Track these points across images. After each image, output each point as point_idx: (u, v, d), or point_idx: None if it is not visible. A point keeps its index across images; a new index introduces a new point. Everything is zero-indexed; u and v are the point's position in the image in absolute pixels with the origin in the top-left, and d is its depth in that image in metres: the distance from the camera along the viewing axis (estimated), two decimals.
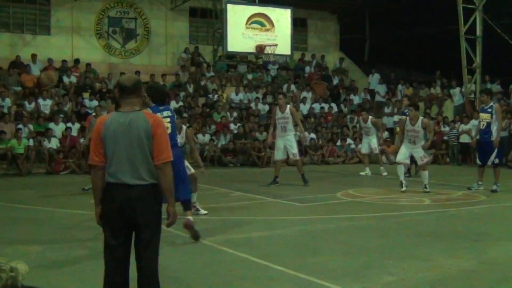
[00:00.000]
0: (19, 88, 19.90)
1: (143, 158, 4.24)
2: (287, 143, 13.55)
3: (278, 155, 13.82)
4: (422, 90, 24.77)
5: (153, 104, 7.67)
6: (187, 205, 7.78)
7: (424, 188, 12.26)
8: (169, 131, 7.34)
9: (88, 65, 21.80)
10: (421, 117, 12.49)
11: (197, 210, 9.28)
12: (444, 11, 23.32)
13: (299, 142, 15.16)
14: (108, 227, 4.30)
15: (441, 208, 10.40)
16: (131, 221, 4.24)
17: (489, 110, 12.58)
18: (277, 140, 13.73)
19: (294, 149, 13.60)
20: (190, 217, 7.60)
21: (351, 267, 6.30)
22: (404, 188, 12.33)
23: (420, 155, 12.39)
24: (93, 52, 23.14)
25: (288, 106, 13.81)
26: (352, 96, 25.04)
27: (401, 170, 12.58)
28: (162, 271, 4.44)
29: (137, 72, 22.12)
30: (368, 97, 25.32)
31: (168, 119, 7.61)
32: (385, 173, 15.83)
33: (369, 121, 16.45)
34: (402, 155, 12.53)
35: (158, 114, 7.19)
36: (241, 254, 6.83)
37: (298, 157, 13.84)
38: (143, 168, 4.24)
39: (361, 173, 16.19)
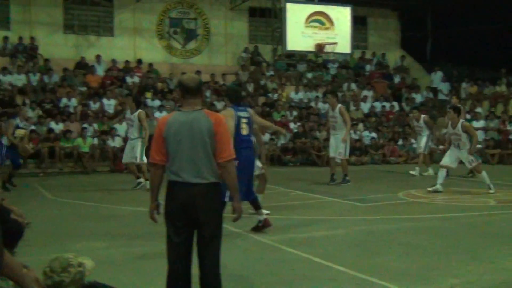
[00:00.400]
0: (84, 88, 20.47)
1: (205, 156, 4.29)
2: (337, 141, 13.66)
3: (332, 152, 13.93)
4: (487, 88, 24.12)
5: (231, 105, 7.92)
6: (256, 204, 7.99)
7: (489, 189, 11.87)
8: (244, 132, 7.83)
9: (150, 65, 22.22)
10: (461, 120, 12.07)
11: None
12: (510, 6, 22.63)
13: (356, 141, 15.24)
14: (170, 224, 4.36)
15: (507, 210, 10.09)
16: (193, 218, 4.29)
17: None
18: (330, 138, 14.08)
19: (340, 148, 13.63)
20: (262, 216, 7.94)
21: (413, 268, 6.20)
22: (440, 189, 11.97)
23: (469, 159, 11.95)
24: (154, 52, 23.57)
25: (339, 105, 13.82)
26: (414, 95, 24.62)
27: (442, 174, 12.11)
28: (222, 269, 4.47)
29: (198, 72, 22.43)
30: (431, 95, 24.85)
31: (246, 120, 7.85)
32: (428, 173, 15.43)
33: (421, 120, 16.09)
34: (448, 158, 12.13)
35: (240, 113, 7.75)
36: (302, 253, 6.82)
37: (342, 156, 13.78)
38: (205, 166, 4.28)
39: (411, 172, 15.77)
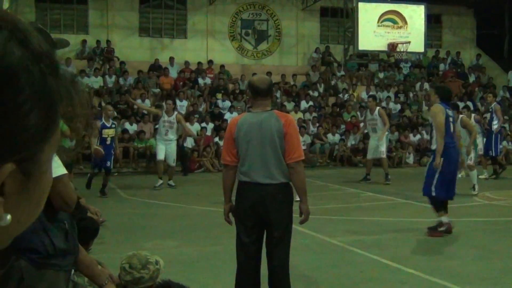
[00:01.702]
0: (157, 90, 20.92)
1: (275, 157, 4.31)
2: (378, 142, 13.93)
3: (369, 154, 14.40)
4: None
5: (440, 102, 8.05)
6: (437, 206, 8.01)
7: (473, 189, 11.70)
8: (451, 130, 7.98)
9: (221, 66, 22.50)
10: (461, 116, 11.87)
11: None
12: None
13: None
14: (241, 224, 4.42)
15: None
16: (263, 219, 4.34)
17: None
18: (370, 140, 14.45)
19: (382, 147, 13.98)
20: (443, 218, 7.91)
21: (487, 272, 6.05)
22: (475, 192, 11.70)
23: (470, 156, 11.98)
24: (226, 54, 23.85)
25: (378, 108, 14.27)
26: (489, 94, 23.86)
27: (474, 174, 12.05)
28: (291, 269, 4.51)
29: (269, 73, 22.56)
30: (508, 95, 24.06)
31: (451, 119, 8.01)
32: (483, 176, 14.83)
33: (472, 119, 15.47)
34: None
35: (448, 112, 7.93)
36: (372, 255, 6.77)
37: (384, 155, 14.23)
38: (275, 167, 4.31)
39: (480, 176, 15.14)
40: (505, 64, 26.73)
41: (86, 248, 3.91)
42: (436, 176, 7.78)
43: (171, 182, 13.19)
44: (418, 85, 23.78)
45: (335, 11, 25.24)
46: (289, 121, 4.39)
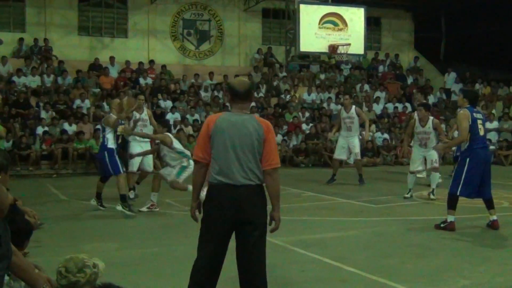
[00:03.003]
0: (97, 90, 20.58)
1: (252, 160, 4.29)
2: (350, 143, 13.68)
3: (340, 154, 13.93)
4: (501, 89, 23.98)
5: (468, 105, 8.38)
6: (491, 204, 8.38)
7: (431, 194, 11.37)
8: (481, 132, 8.27)
9: (163, 66, 22.31)
10: (431, 118, 11.56)
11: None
12: None
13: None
14: (210, 224, 4.33)
15: None
16: (237, 220, 4.27)
17: None
18: (340, 140, 13.94)
19: (357, 149, 13.76)
20: (495, 217, 8.31)
21: (425, 270, 6.20)
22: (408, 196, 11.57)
23: (433, 158, 11.55)
24: (168, 54, 23.67)
25: (354, 106, 13.97)
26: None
27: (412, 180, 11.73)
28: (230, 271, 4.48)
29: (211, 73, 22.54)
30: (444, 96, 24.74)
31: (481, 121, 8.31)
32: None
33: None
34: (416, 163, 11.71)
35: (476, 115, 8.28)
36: (313, 255, 6.84)
37: (360, 157, 14.07)
38: (251, 169, 4.28)
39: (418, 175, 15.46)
40: (442, 66, 27.51)
41: (22, 251, 3.80)
42: (464, 175, 8.18)
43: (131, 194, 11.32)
44: (358, 86, 24.18)
45: (277, 12, 25.41)
46: (269, 127, 4.38)
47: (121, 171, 9.87)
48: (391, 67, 26.44)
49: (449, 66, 26.26)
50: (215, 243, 4.31)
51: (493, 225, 8.37)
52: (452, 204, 8.36)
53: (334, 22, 22.87)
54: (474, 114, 8.31)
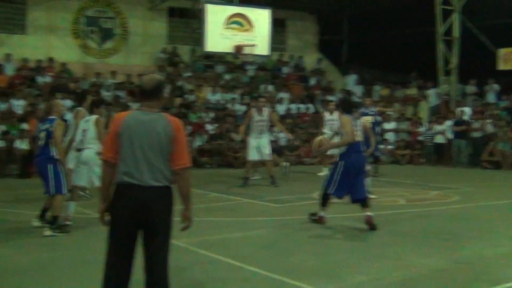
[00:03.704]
0: None
1: (161, 160, 4.19)
2: (261, 144, 13.67)
3: (253, 155, 13.77)
4: (398, 91, 24.95)
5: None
6: (365, 203, 8.64)
7: None
8: (359, 138, 8.67)
9: (63, 64, 21.63)
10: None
11: None
12: (422, 12, 23.51)
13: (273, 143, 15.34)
14: (117, 226, 4.22)
15: (415, 208, 10.49)
16: (144, 222, 4.17)
17: None
18: (252, 141, 13.80)
19: (268, 150, 13.75)
20: (369, 212, 8.56)
21: (324, 267, 6.34)
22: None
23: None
24: (69, 51, 22.90)
25: (266, 109, 13.98)
26: (329, 97, 25.10)
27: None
28: (134, 274, 4.40)
29: (114, 72, 22.07)
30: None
31: (359, 127, 8.77)
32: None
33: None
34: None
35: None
36: (215, 255, 6.84)
37: (271, 158, 14.01)
38: (159, 169, 4.19)
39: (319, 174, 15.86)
40: (343, 68, 28.29)
41: None
42: (337, 177, 8.61)
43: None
44: (263, 87, 24.43)
45: (183, 11, 25.21)
46: (179, 126, 4.27)
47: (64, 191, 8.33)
48: (295, 69, 26.89)
49: (350, 68, 27.05)
50: (121, 244, 4.21)
51: (368, 221, 8.56)
52: (324, 201, 8.84)
53: (239, 22, 22.97)
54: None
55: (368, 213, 8.55)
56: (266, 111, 13.80)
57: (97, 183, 8.25)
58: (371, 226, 8.43)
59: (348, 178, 8.56)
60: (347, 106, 9.05)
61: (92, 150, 8.55)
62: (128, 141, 4.20)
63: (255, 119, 13.70)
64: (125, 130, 4.21)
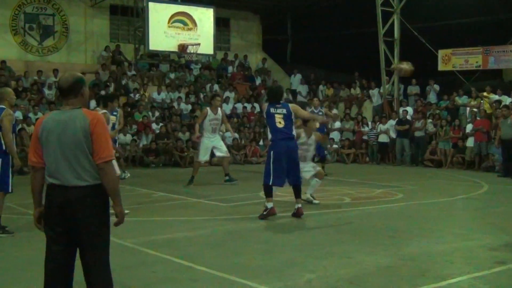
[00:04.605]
0: None
1: (82, 157, 4.04)
2: (216, 143, 13.62)
3: (204, 156, 13.63)
4: (342, 91, 25.28)
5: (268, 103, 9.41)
6: (298, 193, 9.16)
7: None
8: (281, 125, 9.07)
9: (2, 62, 21.02)
10: None
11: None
12: (364, 13, 23.91)
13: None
14: (49, 230, 4.09)
15: (361, 206, 10.63)
16: (71, 224, 4.03)
17: None
18: (204, 141, 13.58)
19: (225, 148, 13.91)
20: (300, 205, 9.13)
21: (273, 265, 6.34)
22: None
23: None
24: (8, 49, 22.27)
25: (220, 109, 13.91)
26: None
27: None
28: (79, 273, 4.29)
29: (55, 70, 21.57)
30: (290, 97, 25.59)
31: (281, 115, 9.10)
32: None
33: None
34: None
35: (273, 110, 9.15)
36: (163, 255, 6.75)
37: (229, 155, 14.27)
38: (82, 167, 4.04)
39: None
40: (288, 68, 28.49)
41: None
42: (271, 167, 9.03)
43: None
44: (208, 86, 24.35)
45: (126, 9, 24.89)
46: (96, 119, 4.10)
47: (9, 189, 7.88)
48: (240, 68, 26.91)
49: (295, 68, 27.26)
50: (55, 245, 4.08)
51: (297, 213, 9.16)
52: (267, 193, 9.16)
53: (183, 21, 22.86)
54: (272, 109, 9.20)
55: (299, 205, 9.13)
56: (219, 110, 13.74)
57: None
58: (298, 216, 9.11)
59: (281, 166, 8.99)
60: (272, 96, 9.44)
61: None
62: (47, 142, 4.09)
63: (210, 117, 13.56)
64: (43, 132, 4.10)
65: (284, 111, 9.19)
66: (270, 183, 9.08)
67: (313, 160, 16.30)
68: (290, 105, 9.48)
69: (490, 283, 5.75)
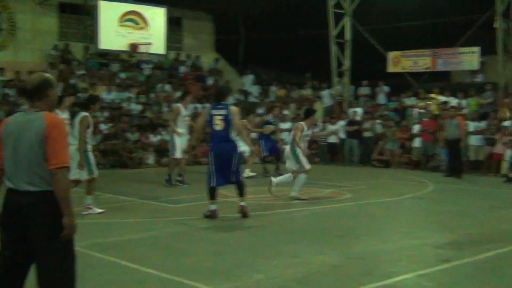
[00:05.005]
0: None
1: (35, 162, 3.89)
2: (183, 142, 13.48)
3: (180, 153, 13.46)
4: (294, 92, 25.44)
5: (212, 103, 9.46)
6: (241, 191, 9.25)
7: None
8: (219, 127, 9.02)
9: None
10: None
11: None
12: (316, 15, 24.12)
13: None
14: (3, 234, 3.97)
15: (310, 206, 10.70)
16: (21, 229, 3.89)
17: None
18: (180, 139, 13.49)
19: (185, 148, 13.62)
20: (244, 203, 9.25)
21: (222, 266, 6.32)
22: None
23: None
24: None
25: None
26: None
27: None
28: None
29: (1, 69, 21.07)
30: (242, 97, 25.63)
31: (221, 117, 9.04)
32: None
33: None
34: None
35: (214, 111, 9.11)
36: (111, 258, 6.67)
37: (187, 156, 14.25)
38: (36, 173, 3.89)
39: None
40: (240, 68, 28.52)
41: None
42: (212, 168, 9.10)
43: None
44: (159, 86, 24.15)
45: (75, 7, 24.49)
46: (54, 124, 3.92)
47: None
48: (192, 68, 26.80)
49: (247, 69, 27.31)
50: (9, 250, 3.96)
51: (241, 211, 9.25)
52: (211, 195, 9.21)
53: (134, 20, 22.65)
54: (213, 110, 9.19)
55: (242, 203, 9.23)
56: (190, 107, 13.65)
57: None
58: (244, 215, 9.20)
59: (222, 166, 9.08)
60: (215, 96, 9.55)
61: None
62: (5, 144, 3.98)
63: (182, 114, 13.50)
64: (4, 134, 4.00)
65: (224, 112, 9.15)
66: (213, 185, 9.14)
67: (266, 159, 16.44)
68: (233, 107, 9.33)
69: (434, 281, 5.87)
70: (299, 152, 11.28)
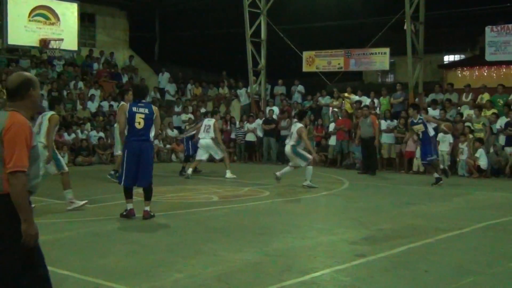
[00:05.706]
0: None
1: None
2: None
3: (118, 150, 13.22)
4: (211, 90, 25.42)
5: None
6: (148, 195, 9.07)
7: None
8: (140, 126, 8.85)
9: None
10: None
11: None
12: (232, 14, 24.23)
13: None
14: None
15: (228, 204, 10.74)
16: None
17: (419, 121, 13.85)
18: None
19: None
20: (147, 208, 9.03)
21: (140, 266, 6.24)
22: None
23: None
24: None
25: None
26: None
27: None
28: None
29: None
30: (158, 95, 25.37)
31: (143, 115, 8.87)
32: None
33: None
34: None
35: (135, 109, 8.92)
36: None
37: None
38: None
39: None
40: (156, 66, 28.22)
41: None
42: (124, 166, 8.98)
43: None
44: (72, 83, 23.51)
45: None
46: (12, 124, 3.73)
47: None
48: (106, 65, 26.26)
49: (163, 66, 27.05)
50: None
51: (143, 215, 9.04)
52: (126, 194, 9.15)
53: (45, 15, 21.98)
54: (134, 108, 9.00)
55: (146, 208, 9.06)
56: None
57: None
58: (145, 218, 9.00)
59: (133, 166, 8.91)
60: (136, 93, 9.41)
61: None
62: None
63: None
64: None
65: (147, 111, 9.01)
66: (123, 183, 9.04)
67: (188, 158, 16.36)
68: (154, 108, 9.24)
69: (350, 275, 6.01)
70: (299, 149, 13.21)
